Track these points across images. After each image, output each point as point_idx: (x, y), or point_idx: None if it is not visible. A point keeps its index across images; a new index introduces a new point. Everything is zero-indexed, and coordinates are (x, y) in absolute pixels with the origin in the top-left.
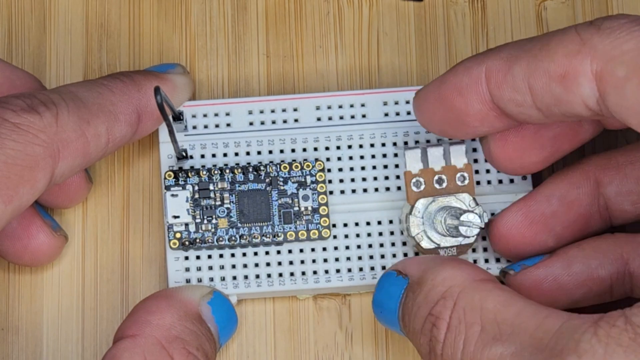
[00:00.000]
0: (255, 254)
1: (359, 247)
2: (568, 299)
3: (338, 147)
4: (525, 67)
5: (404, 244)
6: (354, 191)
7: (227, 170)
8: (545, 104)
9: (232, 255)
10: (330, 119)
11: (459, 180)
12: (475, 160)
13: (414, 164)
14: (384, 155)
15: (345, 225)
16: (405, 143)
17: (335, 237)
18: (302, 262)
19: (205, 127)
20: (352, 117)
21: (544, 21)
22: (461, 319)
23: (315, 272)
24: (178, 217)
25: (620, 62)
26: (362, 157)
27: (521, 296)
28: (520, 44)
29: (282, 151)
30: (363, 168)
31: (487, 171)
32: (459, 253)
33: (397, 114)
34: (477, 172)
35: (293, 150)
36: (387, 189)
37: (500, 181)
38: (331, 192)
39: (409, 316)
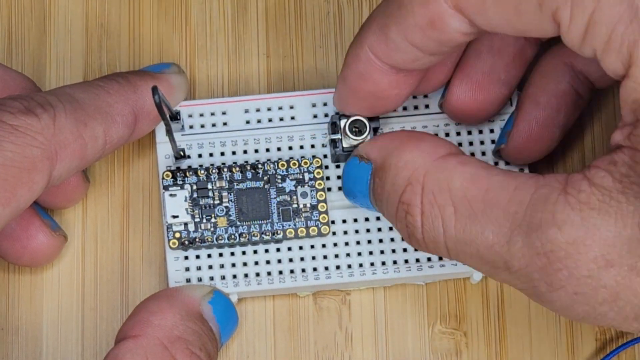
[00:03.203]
0: (255, 252)
1: (358, 243)
2: (557, 126)
3: None
4: (396, 31)
5: (403, 238)
6: None
7: (225, 169)
8: (431, 49)
9: (232, 253)
10: (326, 115)
11: None
12: (472, 154)
13: None
14: None
15: (344, 221)
16: None
17: (334, 233)
18: (302, 259)
19: (202, 126)
20: None
21: None
22: (433, 203)
23: (315, 269)
24: (177, 216)
25: None
26: None
27: (485, 166)
28: (382, 9)
29: (279, 149)
30: None
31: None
32: None
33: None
34: None
35: (290, 148)
36: None
37: None
38: (329, 189)
39: (380, 202)
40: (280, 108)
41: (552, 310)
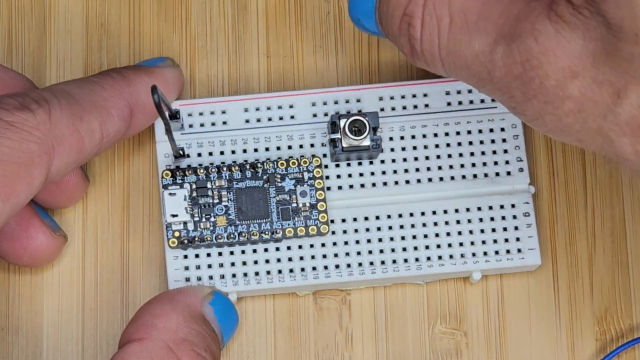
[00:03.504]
0: (254, 251)
1: (357, 242)
2: None
3: None
4: None
5: (403, 238)
6: (351, 186)
7: (225, 168)
8: None
9: (231, 253)
10: (326, 115)
11: None
12: (472, 154)
13: None
14: (381, 150)
15: (343, 220)
16: (402, 138)
17: (333, 232)
18: (301, 258)
19: (202, 125)
20: (348, 112)
21: None
22: (432, 14)
23: (314, 268)
24: (176, 215)
25: None
26: None
27: None
28: None
29: (278, 148)
30: (360, 163)
31: (484, 164)
32: None
33: (393, 109)
34: (473, 165)
35: (290, 147)
36: (385, 183)
37: (497, 174)
38: (329, 188)
39: (385, 19)
40: (280, 107)
41: (525, 122)
